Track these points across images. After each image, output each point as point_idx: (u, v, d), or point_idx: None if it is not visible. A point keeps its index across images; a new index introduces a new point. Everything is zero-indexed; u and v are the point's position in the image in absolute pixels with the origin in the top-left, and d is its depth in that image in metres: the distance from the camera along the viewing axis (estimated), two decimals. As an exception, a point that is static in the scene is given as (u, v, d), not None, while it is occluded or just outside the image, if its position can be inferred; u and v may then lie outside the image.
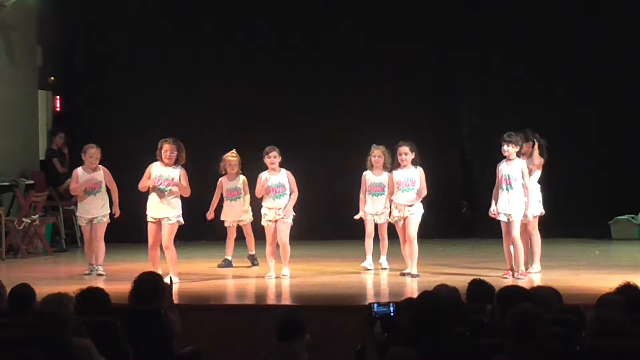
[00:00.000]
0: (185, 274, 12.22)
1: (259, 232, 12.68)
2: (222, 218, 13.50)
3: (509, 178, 11.71)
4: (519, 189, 11.69)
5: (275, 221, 12.11)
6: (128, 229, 14.22)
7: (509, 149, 11.69)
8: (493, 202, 11.82)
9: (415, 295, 7.04)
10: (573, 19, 16.35)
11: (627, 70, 16.23)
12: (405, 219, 12.17)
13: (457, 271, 12.25)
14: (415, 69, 16.74)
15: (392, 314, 6.77)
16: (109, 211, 12.70)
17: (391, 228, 12.70)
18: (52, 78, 17.31)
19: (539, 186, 12.15)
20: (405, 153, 12.24)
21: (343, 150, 15.86)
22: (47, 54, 17.24)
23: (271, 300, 11.14)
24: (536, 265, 12.10)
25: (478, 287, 7.52)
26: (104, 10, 16.59)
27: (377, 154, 12.81)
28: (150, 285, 7.45)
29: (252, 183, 12.89)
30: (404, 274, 12.12)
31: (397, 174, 12.31)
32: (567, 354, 6.12)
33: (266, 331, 8.60)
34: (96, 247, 12.66)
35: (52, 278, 12.25)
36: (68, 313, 6.54)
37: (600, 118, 16.31)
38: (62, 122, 17.21)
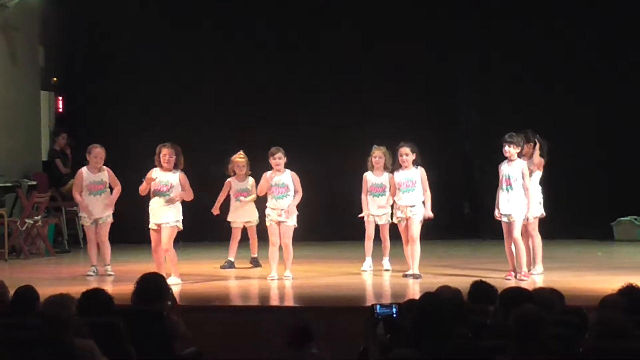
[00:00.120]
0: (187, 275, 12.21)
1: (263, 236, 12.68)
2: (229, 219, 13.46)
3: (509, 179, 11.69)
4: (519, 190, 11.67)
5: (278, 223, 12.12)
6: (130, 230, 14.25)
7: (510, 150, 11.67)
8: (497, 205, 11.80)
9: (417, 297, 7.02)
10: (572, 17, 16.31)
11: (626, 68, 16.19)
12: (407, 219, 12.19)
13: (459, 272, 12.23)
14: (414, 66, 16.71)
15: (394, 315, 6.75)
16: (113, 211, 12.73)
17: (393, 230, 12.70)
18: (55, 79, 17.32)
19: (539, 187, 12.13)
20: (406, 154, 12.26)
21: (343, 150, 15.84)
22: (50, 55, 17.25)
23: (274, 301, 11.12)
24: (538, 267, 12.08)
25: (480, 288, 7.50)
26: (106, 10, 16.59)
27: (378, 154, 12.77)
28: (152, 286, 7.46)
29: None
30: (406, 276, 12.10)
31: (398, 175, 12.33)
32: (570, 355, 6.14)
33: (269, 333, 8.64)
34: (102, 247, 12.68)
35: (55, 279, 12.26)
36: (70, 314, 6.53)
37: (599, 116, 16.27)
38: (64, 123, 17.21)
